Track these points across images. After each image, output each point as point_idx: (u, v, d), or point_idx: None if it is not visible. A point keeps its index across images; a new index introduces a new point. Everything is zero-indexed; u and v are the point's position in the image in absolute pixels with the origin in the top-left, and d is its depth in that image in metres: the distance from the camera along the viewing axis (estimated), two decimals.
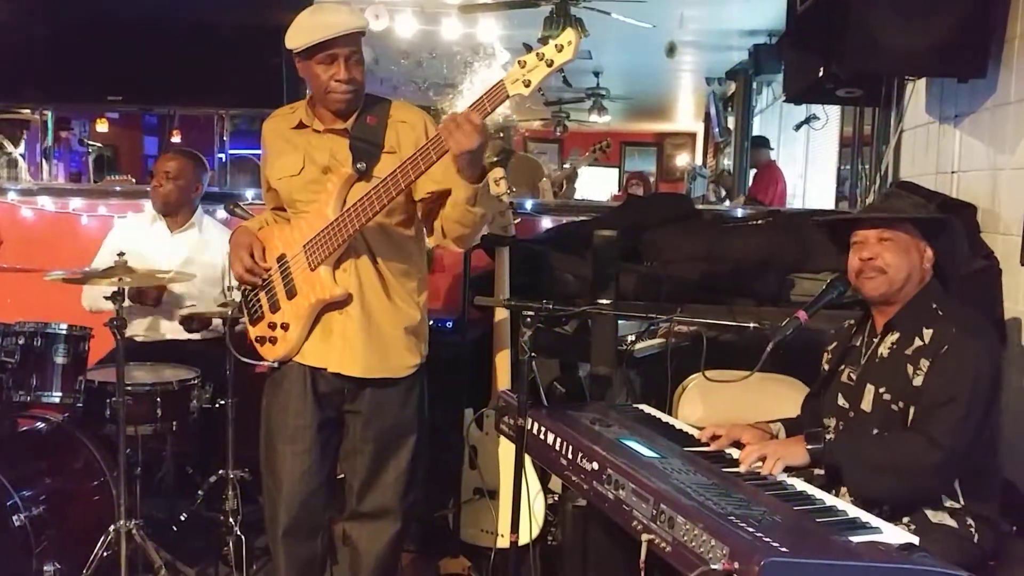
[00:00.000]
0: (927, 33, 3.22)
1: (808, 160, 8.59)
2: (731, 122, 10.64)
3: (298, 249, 2.73)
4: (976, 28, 3.21)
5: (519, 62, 2.40)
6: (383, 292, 2.75)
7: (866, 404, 2.46)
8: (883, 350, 2.47)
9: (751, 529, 1.81)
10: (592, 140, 14.34)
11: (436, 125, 2.77)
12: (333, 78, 2.62)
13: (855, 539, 1.89)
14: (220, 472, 3.59)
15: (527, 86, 2.39)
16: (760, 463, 2.31)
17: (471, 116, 2.40)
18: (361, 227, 2.63)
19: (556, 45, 2.37)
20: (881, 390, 2.42)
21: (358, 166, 2.67)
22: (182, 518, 3.68)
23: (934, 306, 2.41)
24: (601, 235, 3.29)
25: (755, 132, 9.69)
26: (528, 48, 2.40)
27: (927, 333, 2.36)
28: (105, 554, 3.15)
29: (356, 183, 2.68)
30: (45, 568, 3.03)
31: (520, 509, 2.63)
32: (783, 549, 1.73)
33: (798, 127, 7.11)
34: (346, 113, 2.72)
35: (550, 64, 2.37)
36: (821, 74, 3.62)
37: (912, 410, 2.34)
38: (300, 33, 2.61)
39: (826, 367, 2.68)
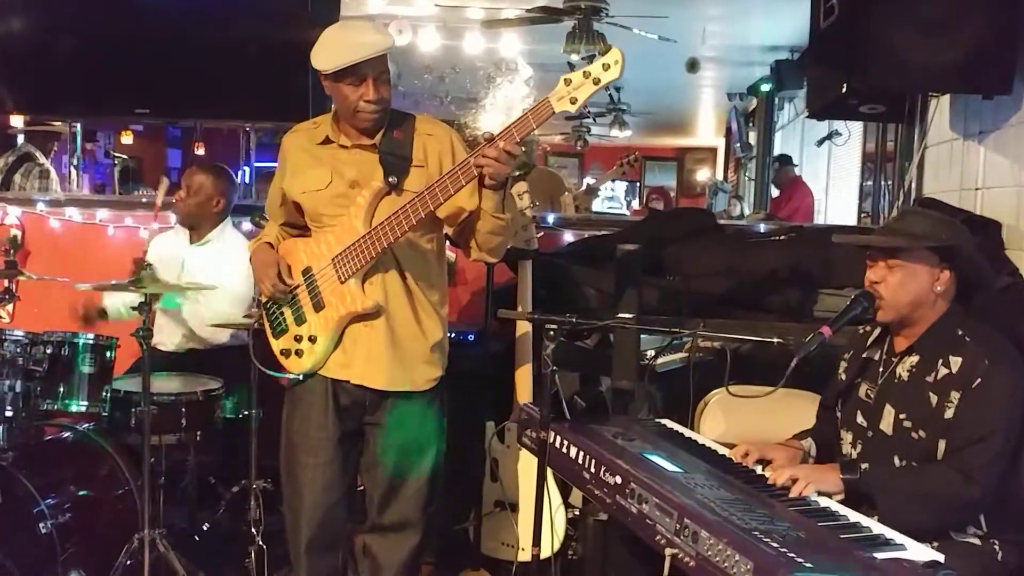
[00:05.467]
0: (951, 50, 3.22)
1: (830, 176, 8.59)
2: (752, 137, 10.65)
3: (326, 262, 2.74)
4: (1001, 45, 3.21)
5: (565, 80, 2.43)
6: (409, 305, 2.77)
7: (885, 426, 2.44)
8: (902, 372, 2.45)
9: (775, 544, 1.82)
10: (613, 154, 14.36)
11: (460, 139, 2.80)
12: (362, 99, 2.63)
13: (879, 556, 1.89)
14: (243, 482, 3.61)
15: (573, 103, 2.43)
16: (790, 483, 2.30)
17: (508, 147, 2.45)
18: (394, 242, 2.65)
19: (603, 64, 2.40)
20: (902, 416, 2.40)
21: (390, 180, 2.69)
22: (204, 528, 3.70)
23: (960, 332, 2.38)
24: (624, 249, 3.29)
25: (777, 148, 9.69)
26: (571, 66, 2.44)
27: (955, 361, 2.33)
28: (128, 562, 3.17)
29: (386, 197, 2.70)
30: (70, 575, 3.06)
31: (542, 523, 2.63)
32: (808, 565, 1.73)
33: (820, 143, 7.11)
34: (373, 131, 2.74)
35: (596, 82, 2.41)
36: (844, 90, 3.62)
37: (943, 443, 2.31)
38: (328, 55, 2.62)
39: (843, 376, 2.67)
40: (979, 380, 2.27)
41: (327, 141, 2.79)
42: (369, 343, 2.74)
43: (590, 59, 2.48)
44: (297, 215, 2.89)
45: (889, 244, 2.42)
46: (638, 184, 16.00)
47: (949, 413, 2.30)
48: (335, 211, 2.75)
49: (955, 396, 2.30)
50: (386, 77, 2.66)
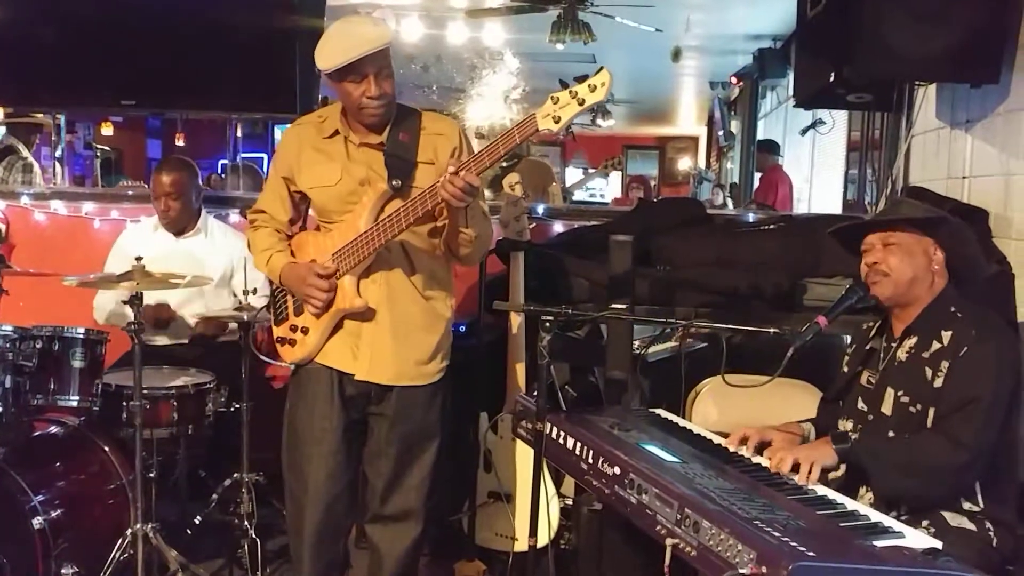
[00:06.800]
0: (940, 39, 3.23)
1: (814, 164, 8.60)
2: (735, 126, 10.67)
3: (327, 257, 2.75)
4: (989, 34, 3.23)
5: (552, 97, 2.44)
6: (415, 300, 2.79)
7: (886, 408, 2.48)
8: (901, 354, 2.49)
9: (777, 534, 1.83)
10: (595, 143, 14.38)
11: (466, 135, 2.83)
12: (365, 95, 2.63)
13: (879, 543, 1.91)
14: (235, 475, 3.59)
15: (556, 122, 2.44)
16: (794, 472, 2.31)
17: (471, 180, 2.48)
18: (387, 242, 2.66)
19: (589, 85, 2.41)
20: (900, 393, 2.45)
21: (393, 183, 2.70)
22: (196, 521, 3.68)
23: (952, 309, 2.44)
24: (617, 240, 3.29)
25: (759, 136, 9.70)
26: (564, 85, 2.47)
27: (946, 335, 2.39)
28: (121, 557, 3.16)
29: (392, 199, 2.71)
30: (63, 571, 3.05)
31: (539, 513, 2.64)
32: (810, 553, 1.74)
33: (804, 131, 7.12)
34: (379, 126, 2.74)
35: (581, 103, 2.41)
36: (832, 79, 3.63)
37: (932, 411, 2.36)
38: (328, 53, 2.61)
39: (846, 369, 2.71)
40: (966, 349, 2.34)
41: (335, 134, 2.78)
42: (373, 338, 2.75)
43: (583, 78, 2.47)
44: (293, 211, 2.90)
45: (882, 218, 2.50)
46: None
47: (939, 382, 2.36)
48: (342, 208, 2.76)
49: (945, 366, 2.36)
50: (388, 72, 2.66)
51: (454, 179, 2.48)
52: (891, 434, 2.44)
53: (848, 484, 2.39)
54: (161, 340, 3.93)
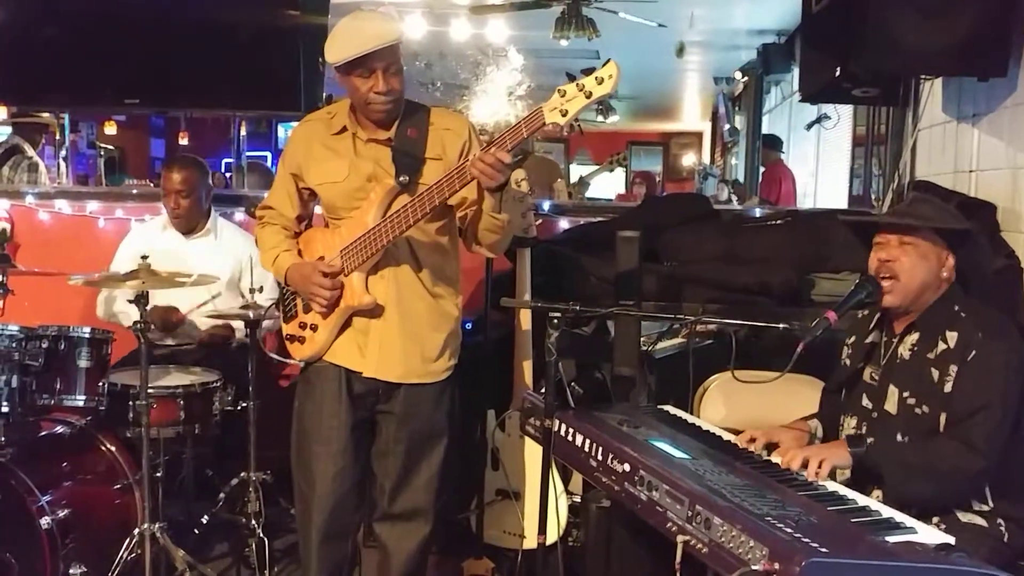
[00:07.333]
0: (947, 32, 3.21)
1: (819, 159, 8.59)
2: (739, 121, 10.65)
3: (335, 254, 2.74)
4: (997, 27, 3.20)
5: (559, 91, 2.41)
6: (422, 297, 2.77)
7: (890, 406, 2.46)
8: (903, 351, 2.47)
9: (789, 530, 1.82)
10: (599, 139, 14.35)
11: (476, 131, 2.81)
12: (372, 90, 2.62)
13: (891, 539, 1.90)
14: (242, 474, 3.59)
15: (564, 115, 2.41)
16: (804, 468, 2.30)
17: (502, 157, 2.44)
18: (395, 238, 2.65)
19: (597, 77, 2.38)
20: (905, 394, 2.43)
21: (400, 179, 2.69)
22: (203, 520, 3.68)
23: (956, 308, 2.42)
24: (624, 236, 3.28)
25: (764, 132, 9.68)
26: (572, 78, 2.44)
27: (951, 336, 2.37)
28: (129, 557, 3.16)
29: (400, 195, 2.70)
30: (71, 571, 3.04)
31: (548, 510, 2.63)
32: (823, 549, 1.73)
33: (809, 126, 7.11)
34: (387, 122, 2.73)
35: (589, 96, 2.38)
36: (838, 73, 3.62)
37: (943, 416, 2.34)
38: (337, 47, 2.61)
39: (846, 361, 2.69)
40: (974, 352, 2.32)
41: (343, 131, 2.77)
42: (382, 336, 2.75)
43: (590, 71, 2.45)
44: (301, 207, 2.89)
45: (909, 222, 2.44)
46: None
47: (948, 387, 2.34)
48: (351, 204, 2.75)
49: (953, 370, 2.34)
50: (396, 68, 2.65)
51: (484, 156, 2.45)
52: (899, 437, 2.42)
53: (857, 486, 2.37)
54: (167, 342, 3.92)
